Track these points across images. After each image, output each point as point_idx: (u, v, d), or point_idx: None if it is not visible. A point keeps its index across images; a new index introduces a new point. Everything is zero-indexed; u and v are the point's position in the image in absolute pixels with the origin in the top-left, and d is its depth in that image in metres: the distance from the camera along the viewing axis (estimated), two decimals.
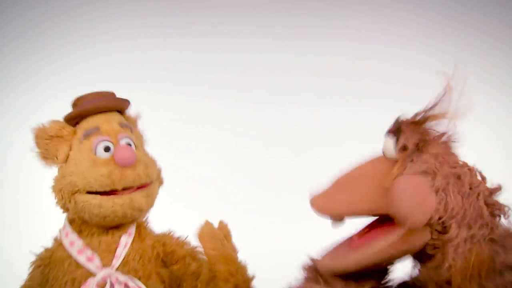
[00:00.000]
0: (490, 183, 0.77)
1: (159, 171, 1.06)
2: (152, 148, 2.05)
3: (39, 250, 0.96)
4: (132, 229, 0.95)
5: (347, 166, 0.76)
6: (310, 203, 0.73)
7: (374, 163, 0.74)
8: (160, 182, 1.07)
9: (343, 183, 0.73)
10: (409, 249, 0.69)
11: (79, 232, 0.91)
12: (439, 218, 0.66)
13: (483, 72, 1.94)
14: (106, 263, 0.88)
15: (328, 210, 0.71)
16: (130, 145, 0.93)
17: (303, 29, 2.09)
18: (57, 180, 0.91)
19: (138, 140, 1.03)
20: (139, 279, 0.90)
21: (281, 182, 1.92)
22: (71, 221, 0.93)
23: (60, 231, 0.95)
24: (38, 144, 0.92)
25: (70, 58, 1.98)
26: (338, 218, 0.73)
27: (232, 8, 2.09)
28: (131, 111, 1.07)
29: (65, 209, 0.92)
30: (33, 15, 1.99)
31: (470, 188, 0.70)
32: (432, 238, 0.67)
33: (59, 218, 1.78)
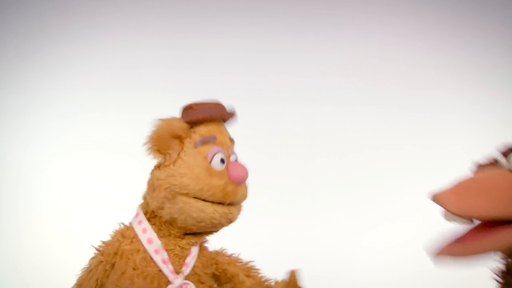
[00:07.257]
0: None
1: None
2: None
3: (97, 244, 0.91)
4: (202, 241, 0.96)
5: (467, 174, 0.85)
6: (436, 199, 0.79)
7: (503, 176, 0.84)
8: None
9: (474, 189, 0.82)
10: None
11: (157, 231, 0.89)
12: None
13: (483, 72, 1.94)
14: (176, 269, 0.87)
15: (465, 211, 0.80)
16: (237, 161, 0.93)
17: (304, 29, 2.09)
18: (161, 177, 0.87)
19: None
20: None
21: (281, 181, 1.92)
22: (150, 219, 0.91)
23: (131, 225, 0.92)
24: (158, 138, 0.86)
25: (70, 58, 1.98)
26: (469, 219, 0.83)
27: (233, 8, 2.09)
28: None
29: (159, 205, 0.88)
30: (33, 15, 1.99)
31: None
32: None
33: (56, 217, 1.78)
